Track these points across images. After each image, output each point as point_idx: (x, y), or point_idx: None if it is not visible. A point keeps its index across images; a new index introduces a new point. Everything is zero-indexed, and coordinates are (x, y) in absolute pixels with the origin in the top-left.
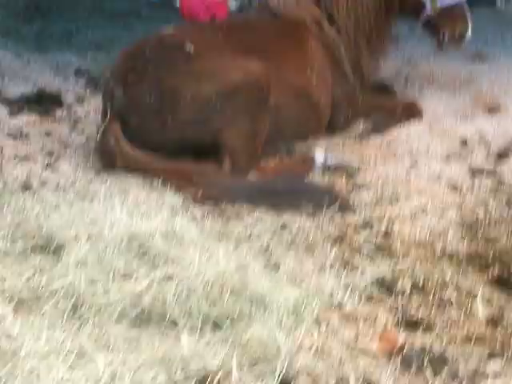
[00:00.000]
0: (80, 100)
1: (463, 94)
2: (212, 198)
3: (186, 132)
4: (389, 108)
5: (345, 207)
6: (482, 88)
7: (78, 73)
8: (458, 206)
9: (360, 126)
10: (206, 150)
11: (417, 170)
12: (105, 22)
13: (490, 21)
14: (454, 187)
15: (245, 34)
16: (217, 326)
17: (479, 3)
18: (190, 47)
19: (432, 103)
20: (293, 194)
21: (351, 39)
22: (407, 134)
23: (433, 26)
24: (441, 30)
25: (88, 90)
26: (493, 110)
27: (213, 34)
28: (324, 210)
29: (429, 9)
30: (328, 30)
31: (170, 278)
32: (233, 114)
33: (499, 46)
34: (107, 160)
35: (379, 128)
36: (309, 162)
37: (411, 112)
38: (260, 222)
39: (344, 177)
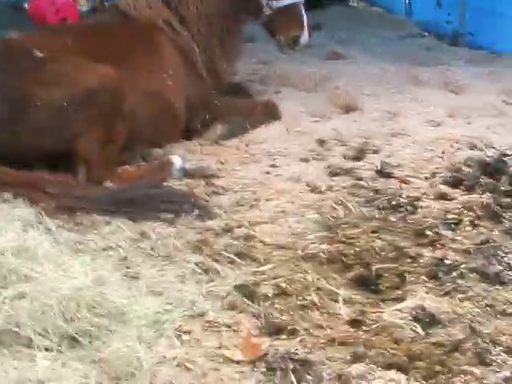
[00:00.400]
0: None
1: (319, 93)
2: (67, 209)
3: (38, 141)
4: (246, 109)
5: (204, 212)
6: (339, 87)
7: None
8: (318, 206)
9: (217, 128)
10: (62, 159)
11: (276, 172)
12: None
13: (343, 18)
14: (314, 188)
15: (96, 38)
16: (75, 343)
17: (331, 1)
18: (38, 52)
19: (289, 104)
20: (151, 201)
21: (204, 40)
22: (265, 135)
23: (271, 28)
24: (276, 32)
25: None
26: (349, 108)
27: (62, 38)
28: (183, 216)
29: (266, 10)
30: (180, 31)
31: (22, 295)
32: (86, 120)
33: (354, 44)
34: None
35: (237, 130)
36: (166, 167)
37: (269, 113)
38: (118, 231)
39: (202, 181)
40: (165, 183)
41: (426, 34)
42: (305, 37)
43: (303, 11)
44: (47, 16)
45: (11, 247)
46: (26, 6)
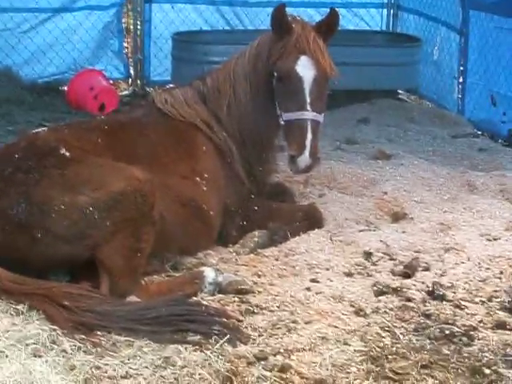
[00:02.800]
0: None
1: (366, 197)
2: (85, 325)
3: (58, 249)
4: (286, 215)
5: (236, 336)
6: (386, 191)
7: None
8: (363, 332)
9: (255, 235)
10: (82, 267)
11: (317, 289)
12: None
13: (392, 112)
14: (358, 309)
15: (129, 135)
16: None
17: (380, 93)
18: (64, 151)
19: (333, 209)
20: (178, 320)
21: (239, 141)
22: (307, 244)
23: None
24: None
25: None
26: (397, 216)
27: (93, 135)
28: (213, 339)
29: (280, 119)
30: (218, 131)
31: None
32: (112, 227)
33: (403, 142)
34: None
35: (276, 238)
36: (197, 280)
37: (311, 219)
38: (139, 355)
39: (236, 298)
40: (194, 298)
41: (480, 133)
42: (304, 159)
43: (309, 129)
44: (85, 101)
45: (13, 382)
46: (64, 88)
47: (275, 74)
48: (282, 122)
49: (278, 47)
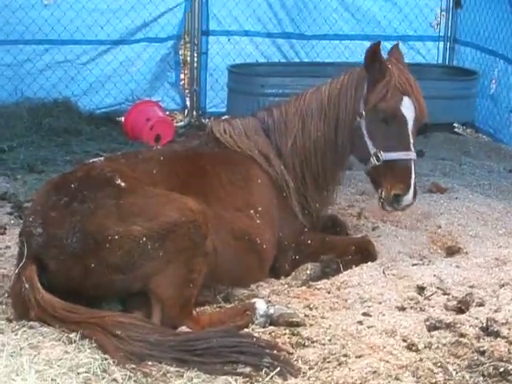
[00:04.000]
0: (1, 230)
1: (420, 231)
2: (136, 355)
3: (111, 279)
4: (339, 248)
5: (286, 369)
6: (441, 225)
7: (4, 197)
8: (415, 368)
9: (307, 268)
10: (135, 297)
11: (369, 322)
12: (41, 140)
13: (447, 146)
14: (411, 344)
15: (184, 165)
16: None
17: (436, 127)
18: (119, 181)
19: (387, 242)
20: (229, 351)
21: (299, 176)
22: (359, 278)
23: (373, 179)
24: (379, 186)
25: (12, 218)
26: (452, 251)
27: (148, 165)
28: (263, 371)
29: (373, 160)
30: (277, 164)
31: None
32: (165, 258)
33: (458, 175)
34: (20, 308)
35: (328, 271)
36: (248, 311)
37: (364, 252)
38: None
39: (287, 330)
40: (246, 330)
41: None
42: (408, 198)
43: (413, 169)
44: (142, 132)
45: None
46: (121, 119)
47: (379, 114)
48: (377, 162)
49: (379, 88)
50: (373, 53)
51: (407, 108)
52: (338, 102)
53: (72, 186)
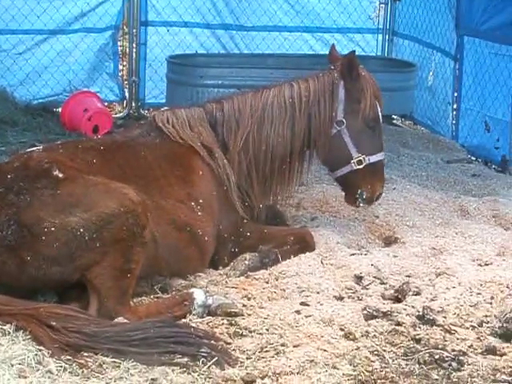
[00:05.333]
0: None
1: (358, 221)
2: (72, 346)
3: (47, 271)
4: (278, 238)
5: (224, 358)
6: (378, 215)
7: None
8: (352, 356)
9: (246, 258)
10: (71, 288)
11: (307, 312)
12: None
13: (386, 137)
14: (348, 333)
15: (125, 155)
16: None
17: None
18: (57, 171)
19: (325, 232)
20: (166, 341)
21: (244, 173)
22: (297, 268)
23: (350, 182)
24: (359, 187)
25: None
26: (389, 240)
27: (88, 155)
28: (200, 361)
29: (354, 164)
30: (219, 157)
31: None
32: (103, 248)
33: (396, 167)
34: None
35: (267, 261)
36: (186, 302)
37: (302, 243)
38: (126, 376)
39: (225, 320)
40: (183, 320)
41: (473, 158)
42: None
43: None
44: (79, 123)
45: None
46: (59, 110)
47: (368, 122)
48: (359, 167)
49: (366, 97)
50: (350, 61)
51: (380, 112)
52: (309, 112)
53: (8, 176)
